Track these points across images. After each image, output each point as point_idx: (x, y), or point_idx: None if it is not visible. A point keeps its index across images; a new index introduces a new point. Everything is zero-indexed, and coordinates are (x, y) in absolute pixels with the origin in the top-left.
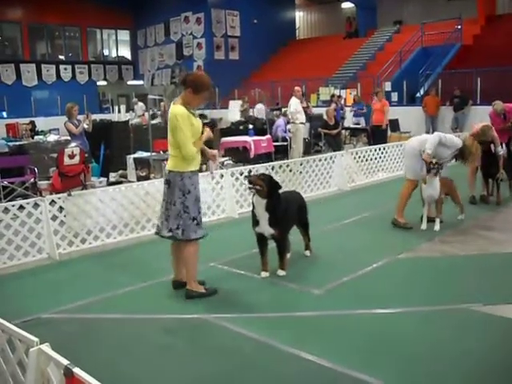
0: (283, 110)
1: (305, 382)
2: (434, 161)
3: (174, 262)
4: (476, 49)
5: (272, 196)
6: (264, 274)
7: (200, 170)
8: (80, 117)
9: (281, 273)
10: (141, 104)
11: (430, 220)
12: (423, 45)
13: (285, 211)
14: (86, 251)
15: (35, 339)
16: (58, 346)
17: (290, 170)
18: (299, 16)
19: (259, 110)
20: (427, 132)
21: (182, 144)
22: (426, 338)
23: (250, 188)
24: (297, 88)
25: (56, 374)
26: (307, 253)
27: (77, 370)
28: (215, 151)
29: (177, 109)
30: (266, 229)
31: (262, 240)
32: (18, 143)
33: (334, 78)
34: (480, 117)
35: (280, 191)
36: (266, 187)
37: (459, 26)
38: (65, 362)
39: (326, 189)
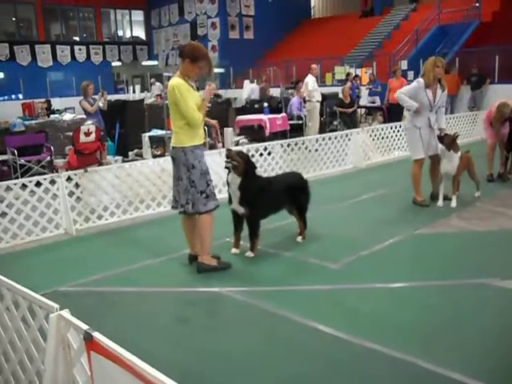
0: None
1: (322, 354)
2: (443, 132)
3: (187, 236)
4: (495, 26)
5: (246, 175)
6: (234, 251)
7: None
8: (95, 96)
9: (249, 254)
10: (158, 84)
11: (445, 198)
12: (440, 23)
13: (261, 192)
14: (102, 227)
15: (55, 305)
16: (75, 316)
17: (306, 147)
18: None
19: (253, 90)
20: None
21: (185, 113)
22: (443, 312)
23: (226, 162)
24: (313, 66)
25: (76, 338)
26: (299, 239)
27: (96, 335)
28: (215, 120)
29: (175, 81)
30: (236, 207)
31: (236, 217)
32: (34, 122)
33: (349, 57)
34: (498, 95)
35: (257, 172)
36: (243, 165)
37: (477, 4)
38: (84, 326)
39: (342, 166)
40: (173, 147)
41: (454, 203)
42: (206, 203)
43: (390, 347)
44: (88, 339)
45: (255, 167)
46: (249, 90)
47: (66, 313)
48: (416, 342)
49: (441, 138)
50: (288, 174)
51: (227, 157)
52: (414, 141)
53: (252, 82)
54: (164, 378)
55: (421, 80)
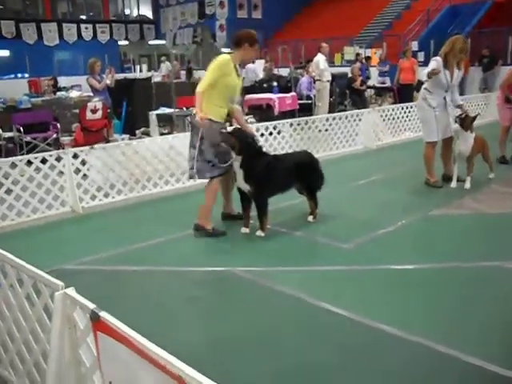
0: (308, 66)
1: (334, 336)
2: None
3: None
4: (508, 6)
5: (247, 153)
6: (243, 230)
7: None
8: (103, 74)
9: (259, 233)
10: (168, 64)
11: (459, 180)
12: (452, 3)
13: (266, 170)
14: (109, 205)
15: (60, 283)
16: (81, 295)
17: (316, 127)
18: None
19: (252, 70)
20: None
21: (201, 82)
22: (455, 294)
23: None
24: (324, 44)
25: (82, 318)
26: (310, 218)
27: (103, 314)
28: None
29: (221, 57)
30: (242, 184)
31: (242, 195)
32: (40, 99)
33: (358, 37)
34: None
35: (261, 149)
36: (238, 143)
37: None
38: (91, 305)
39: (352, 147)
40: (194, 114)
41: (467, 185)
42: (212, 170)
43: (403, 330)
44: (95, 319)
45: (254, 144)
46: (250, 71)
47: (71, 291)
48: (428, 324)
49: (462, 120)
50: (298, 152)
51: (221, 140)
52: (429, 122)
53: (253, 62)
54: (172, 359)
55: (439, 59)
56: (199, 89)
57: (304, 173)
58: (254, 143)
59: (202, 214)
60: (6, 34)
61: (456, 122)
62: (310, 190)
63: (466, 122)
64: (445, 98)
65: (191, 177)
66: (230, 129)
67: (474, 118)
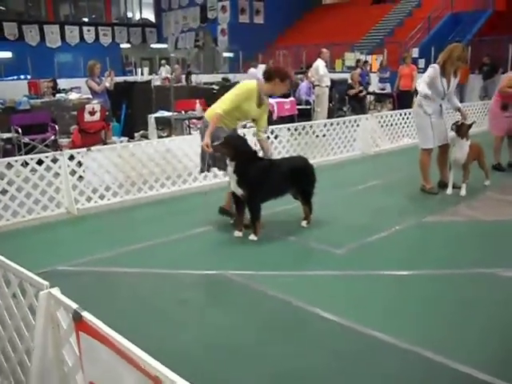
0: (309, 74)
1: (324, 341)
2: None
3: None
4: (509, 15)
5: (239, 159)
6: (236, 234)
7: None
8: (102, 77)
9: (252, 237)
10: (167, 67)
11: (454, 187)
12: (453, 10)
13: (259, 175)
14: (104, 207)
15: (45, 283)
16: (72, 296)
17: (314, 132)
18: None
19: (253, 75)
20: None
21: (220, 101)
22: (448, 300)
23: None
24: (324, 50)
25: (65, 317)
26: (304, 223)
27: (86, 314)
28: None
29: (248, 84)
30: (235, 188)
31: (236, 199)
32: (39, 101)
33: (360, 43)
34: None
35: (255, 154)
36: (230, 151)
37: None
38: (74, 305)
39: (350, 152)
40: (203, 117)
41: (463, 192)
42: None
43: (395, 336)
44: (77, 319)
45: (248, 150)
46: (251, 76)
47: (55, 291)
48: (420, 331)
49: (458, 127)
50: (293, 157)
51: (214, 151)
52: (424, 129)
53: (255, 67)
54: (153, 361)
55: (436, 66)
56: (219, 110)
57: (298, 178)
58: (248, 149)
59: (228, 198)
60: (9, 36)
61: (452, 129)
62: (304, 195)
63: (461, 129)
64: (441, 106)
65: (201, 171)
66: (221, 139)
67: (470, 126)
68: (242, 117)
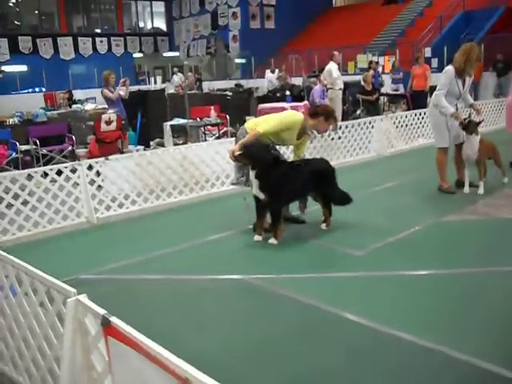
0: (321, 77)
1: (347, 342)
2: (465, 117)
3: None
4: None
5: (260, 166)
6: (256, 238)
7: None
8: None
9: (272, 241)
10: (180, 75)
11: (471, 185)
12: (465, 8)
13: (280, 179)
14: (123, 216)
15: (73, 290)
16: (95, 303)
17: (329, 135)
18: None
19: (268, 79)
20: None
21: (264, 119)
22: (470, 300)
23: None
24: (336, 52)
25: (93, 323)
26: (323, 226)
27: (114, 319)
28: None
29: (295, 116)
30: (257, 193)
31: (257, 202)
32: (56, 112)
33: (371, 45)
34: None
35: (274, 158)
36: (251, 161)
37: None
38: (102, 311)
39: (365, 154)
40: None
41: (480, 190)
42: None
43: (416, 335)
44: (105, 324)
45: (268, 156)
46: (267, 80)
47: (83, 298)
48: (443, 331)
49: (466, 126)
50: (314, 159)
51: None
52: (440, 128)
53: (272, 71)
54: (182, 364)
55: (451, 68)
56: (260, 129)
57: (319, 180)
58: (268, 156)
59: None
60: (24, 50)
61: (461, 127)
62: (324, 198)
63: (469, 126)
64: (456, 106)
65: (239, 185)
66: (240, 150)
67: (478, 123)
68: (279, 142)
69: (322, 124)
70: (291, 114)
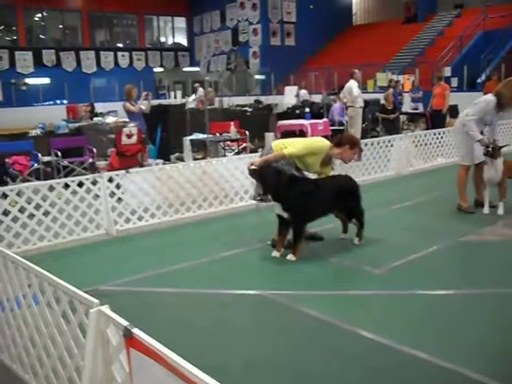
0: (340, 95)
1: (363, 360)
2: (489, 143)
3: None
4: None
5: (275, 187)
6: (274, 254)
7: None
8: (139, 101)
9: (290, 257)
10: (201, 89)
11: (491, 205)
12: (485, 28)
13: (303, 197)
14: (142, 228)
15: (95, 300)
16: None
17: None
18: (356, 1)
19: (302, 95)
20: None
21: (292, 142)
22: (488, 321)
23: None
24: (356, 70)
25: (115, 334)
26: (356, 241)
27: (136, 331)
28: None
29: (324, 142)
30: (281, 212)
31: (281, 220)
32: (77, 124)
33: (391, 63)
34: None
35: (285, 179)
36: (258, 181)
37: None
38: (124, 322)
39: (384, 172)
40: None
41: (500, 211)
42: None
43: (433, 355)
44: (128, 335)
45: (283, 176)
46: (300, 96)
47: (106, 308)
48: (459, 350)
49: (491, 154)
50: (338, 176)
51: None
52: (464, 145)
53: (301, 88)
54: (205, 377)
55: (494, 100)
56: (286, 152)
57: (345, 196)
58: (282, 176)
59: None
60: (47, 63)
61: (484, 153)
62: (352, 213)
63: (493, 154)
64: (482, 131)
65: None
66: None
67: (501, 147)
68: (301, 166)
69: (347, 152)
70: (318, 140)
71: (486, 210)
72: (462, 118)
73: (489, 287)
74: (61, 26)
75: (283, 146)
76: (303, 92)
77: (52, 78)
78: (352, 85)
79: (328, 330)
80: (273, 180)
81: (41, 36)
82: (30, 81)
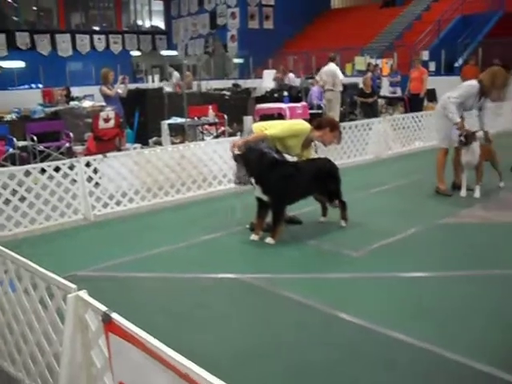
0: (316, 78)
1: (343, 342)
2: (462, 131)
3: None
4: None
5: (258, 170)
6: (253, 237)
7: None
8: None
9: (269, 240)
10: (176, 73)
11: (468, 189)
12: (463, 13)
13: (283, 180)
14: (120, 213)
15: (73, 286)
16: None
17: None
18: None
19: (291, 79)
20: None
21: (272, 124)
22: (466, 302)
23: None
24: (333, 54)
25: (94, 320)
26: (342, 223)
27: (115, 316)
28: None
29: (305, 125)
30: (261, 195)
31: (260, 203)
32: (53, 109)
33: (369, 47)
34: None
35: (267, 163)
36: (244, 165)
37: None
38: (103, 308)
39: (363, 156)
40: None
41: (477, 193)
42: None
43: (412, 336)
44: (106, 320)
45: (265, 159)
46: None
47: (84, 293)
48: (437, 332)
49: (465, 142)
50: (318, 159)
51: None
52: (443, 128)
53: (289, 71)
54: (183, 359)
55: (477, 86)
56: (268, 133)
57: (323, 179)
58: (265, 159)
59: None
60: (21, 46)
61: (459, 142)
62: (332, 194)
63: (468, 140)
64: (462, 116)
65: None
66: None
67: (474, 133)
68: (282, 149)
69: (328, 135)
70: (299, 123)
71: (463, 192)
72: (444, 100)
73: (467, 269)
74: (35, 8)
75: (264, 129)
76: (291, 76)
77: (27, 61)
78: (335, 69)
79: (306, 314)
80: (257, 162)
81: (14, 18)
82: (4, 64)
